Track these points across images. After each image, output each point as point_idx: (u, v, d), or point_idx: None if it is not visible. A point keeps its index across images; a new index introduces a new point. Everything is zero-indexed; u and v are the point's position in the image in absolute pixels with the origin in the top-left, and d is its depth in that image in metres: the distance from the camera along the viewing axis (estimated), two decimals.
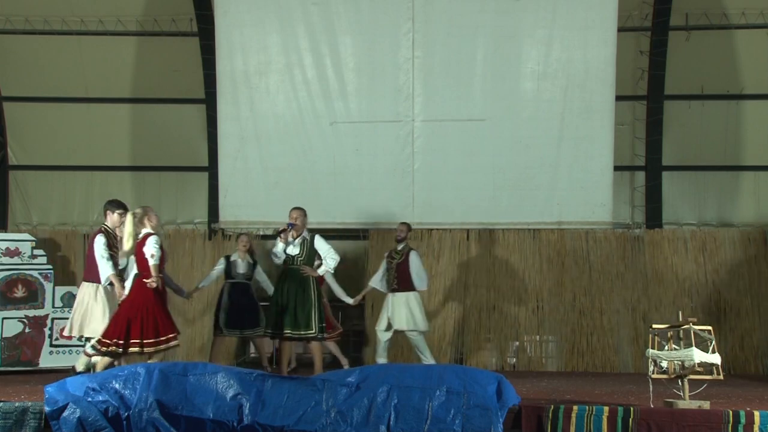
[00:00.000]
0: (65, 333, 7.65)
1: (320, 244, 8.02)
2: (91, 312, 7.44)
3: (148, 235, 7.13)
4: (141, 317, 6.92)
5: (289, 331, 7.85)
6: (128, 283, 7.31)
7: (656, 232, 10.82)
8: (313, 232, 8.10)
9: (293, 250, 7.96)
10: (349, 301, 9.27)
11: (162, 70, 11.62)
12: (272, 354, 10.56)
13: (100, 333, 7.08)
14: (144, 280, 7.02)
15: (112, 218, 7.59)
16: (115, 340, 6.89)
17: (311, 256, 8.02)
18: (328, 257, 8.00)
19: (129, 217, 7.19)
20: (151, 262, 7.06)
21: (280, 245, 7.96)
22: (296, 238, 7.98)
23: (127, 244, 7.14)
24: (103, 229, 7.55)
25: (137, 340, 6.88)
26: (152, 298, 7.01)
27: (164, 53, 11.61)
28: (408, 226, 9.36)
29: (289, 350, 8.17)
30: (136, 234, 7.11)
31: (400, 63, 10.48)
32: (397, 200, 10.46)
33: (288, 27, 10.61)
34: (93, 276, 7.48)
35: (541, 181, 10.39)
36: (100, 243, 7.43)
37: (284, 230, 8.00)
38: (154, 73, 11.63)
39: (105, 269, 7.39)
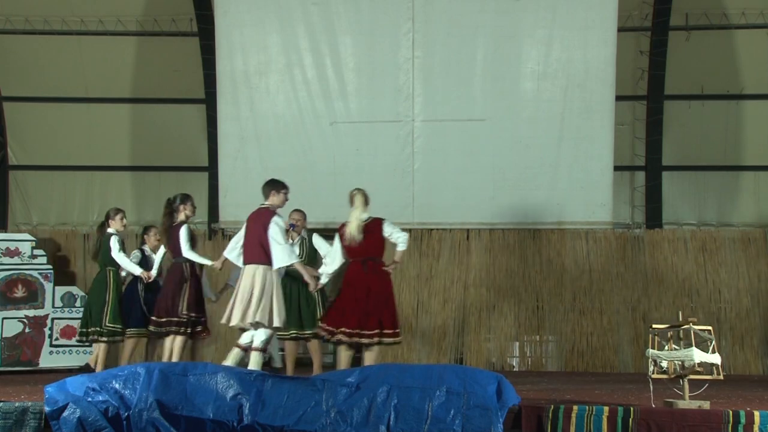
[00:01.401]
0: (227, 322, 7.00)
1: (319, 243, 8.05)
2: (265, 296, 6.89)
3: (381, 219, 7.08)
4: (386, 307, 6.89)
5: (295, 332, 7.89)
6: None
7: (656, 232, 10.83)
8: (311, 231, 8.13)
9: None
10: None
11: (162, 70, 11.62)
12: (270, 355, 10.56)
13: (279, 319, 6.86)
14: (384, 268, 6.98)
15: (278, 198, 7.19)
16: (344, 329, 6.88)
17: (311, 255, 8.05)
18: (328, 257, 7.99)
19: (359, 198, 7.09)
20: (403, 247, 7.03)
21: None
22: (293, 239, 8.04)
23: (351, 226, 7.04)
24: (272, 209, 7.06)
25: (376, 331, 6.87)
26: (391, 287, 7.00)
27: (164, 53, 11.62)
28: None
29: (294, 351, 8.13)
30: (361, 216, 7.03)
31: (400, 63, 10.48)
32: (397, 200, 10.45)
33: (288, 27, 10.61)
34: (264, 258, 6.93)
35: (541, 181, 10.39)
36: (279, 226, 6.96)
37: (287, 231, 8.04)
38: (154, 73, 11.64)
39: (289, 254, 6.94)
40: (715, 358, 5.73)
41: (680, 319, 6.06)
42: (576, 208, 10.40)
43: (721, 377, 5.81)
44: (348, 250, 7.17)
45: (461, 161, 10.45)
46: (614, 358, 10.28)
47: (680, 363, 5.72)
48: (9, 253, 9.89)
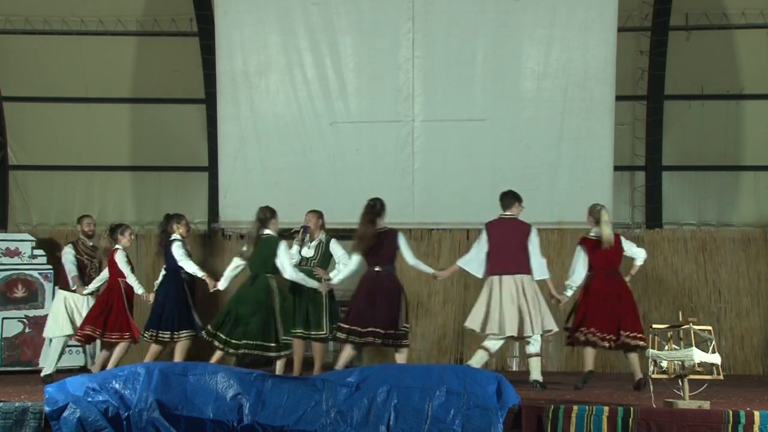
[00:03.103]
0: (515, 334, 7.46)
1: (336, 248, 8.10)
2: (542, 304, 7.52)
3: (619, 234, 7.78)
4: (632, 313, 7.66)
5: (300, 331, 7.91)
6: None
7: (656, 232, 10.82)
8: (331, 234, 8.18)
9: (308, 252, 8.05)
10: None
11: (162, 70, 11.61)
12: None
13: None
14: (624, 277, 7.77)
15: (519, 209, 7.74)
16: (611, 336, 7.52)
17: (326, 258, 8.11)
18: (341, 263, 7.97)
19: (605, 215, 7.62)
20: (640, 262, 7.85)
21: (294, 247, 8.07)
22: (311, 240, 8.07)
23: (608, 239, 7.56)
24: (522, 220, 7.56)
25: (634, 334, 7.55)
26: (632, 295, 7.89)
27: (164, 53, 11.61)
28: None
29: (301, 349, 8.15)
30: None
31: (400, 63, 10.48)
32: (397, 200, 10.41)
33: (288, 27, 10.60)
34: (527, 268, 7.47)
35: (541, 181, 10.37)
36: (538, 238, 7.55)
37: (297, 231, 8.11)
38: (154, 73, 11.62)
39: (546, 268, 7.57)
40: (715, 358, 5.74)
41: (680, 319, 6.06)
42: (576, 208, 10.33)
43: (721, 377, 5.82)
44: (594, 262, 7.69)
45: (461, 161, 10.45)
46: (614, 358, 10.26)
47: (680, 363, 5.72)
48: (9, 253, 9.89)
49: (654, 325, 6.17)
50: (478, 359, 7.45)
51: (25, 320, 9.71)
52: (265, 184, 10.58)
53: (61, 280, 8.97)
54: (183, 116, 11.78)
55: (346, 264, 7.84)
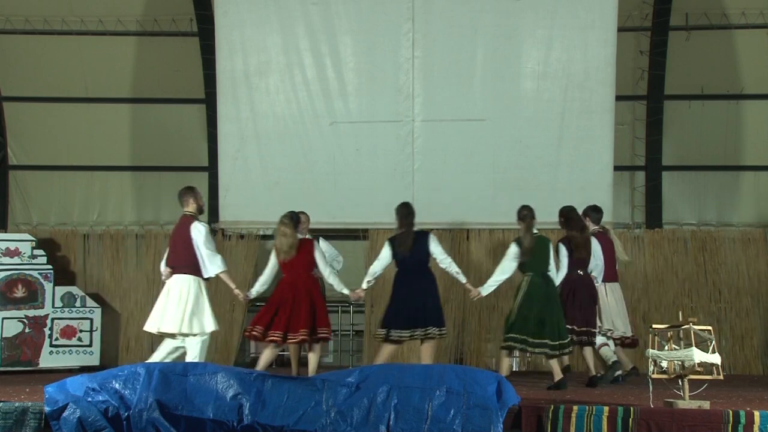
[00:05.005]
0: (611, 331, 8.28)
1: (325, 247, 8.13)
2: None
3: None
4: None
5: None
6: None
7: (656, 232, 10.81)
8: (315, 234, 8.19)
9: None
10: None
11: (162, 70, 11.62)
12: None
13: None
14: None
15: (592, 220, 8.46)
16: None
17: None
18: (334, 262, 8.06)
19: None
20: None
21: None
22: None
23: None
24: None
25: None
26: None
27: (164, 53, 11.62)
28: None
29: (297, 350, 8.17)
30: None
31: (400, 63, 10.48)
32: (397, 200, 10.32)
33: (288, 27, 10.61)
34: (616, 275, 8.46)
35: (541, 181, 10.38)
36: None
37: None
38: (154, 73, 11.63)
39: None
40: (715, 358, 5.74)
41: (680, 319, 6.06)
42: (576, 208, 10.39)
43: (721, 377, 5.81)
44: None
45: (461, 161, 10.45)
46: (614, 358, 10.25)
47: (680, 363, 5.72)
48: (9, 253, 9.89)
49: (654, 325, 6.16)
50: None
51: (25, 320, 9.71)
52: (265, 184, 10.59)
53: (183, 264, 7.17)
54: (183, 116, 11.79)
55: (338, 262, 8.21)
